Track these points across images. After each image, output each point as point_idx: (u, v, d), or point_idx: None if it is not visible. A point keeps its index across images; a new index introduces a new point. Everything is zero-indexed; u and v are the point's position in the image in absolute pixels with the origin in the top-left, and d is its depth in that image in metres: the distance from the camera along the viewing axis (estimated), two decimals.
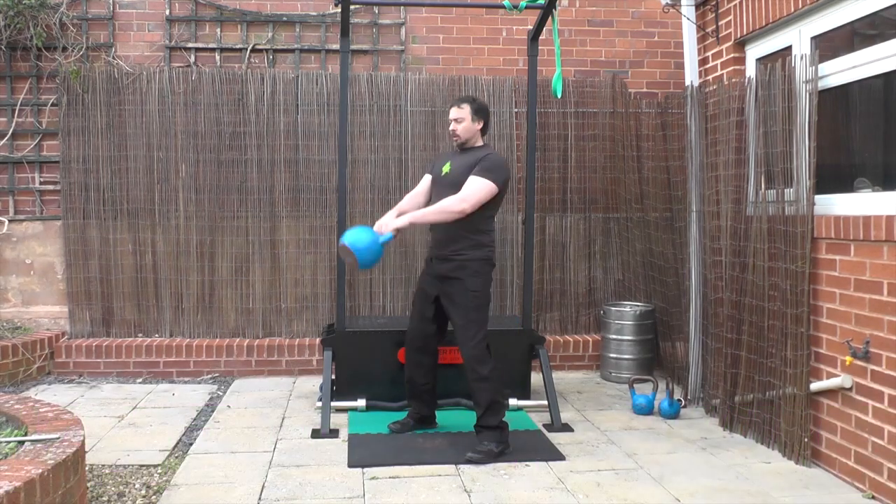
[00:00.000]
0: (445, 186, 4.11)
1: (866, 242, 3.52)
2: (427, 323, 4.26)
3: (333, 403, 4.68)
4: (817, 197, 3.91)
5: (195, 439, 4.28)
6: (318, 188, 6.00)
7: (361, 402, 4.75)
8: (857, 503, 3.46)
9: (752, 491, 3.56)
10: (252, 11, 6.06)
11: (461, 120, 4.13)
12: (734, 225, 4.47)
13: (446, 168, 4.18)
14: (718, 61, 5.03)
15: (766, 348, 4.18)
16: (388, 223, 4.00)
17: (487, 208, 4.03)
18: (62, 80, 5.86)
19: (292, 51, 6.10)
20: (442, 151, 4.34)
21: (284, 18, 6.08)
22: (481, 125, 4.17)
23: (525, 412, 4.78)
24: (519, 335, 4.90)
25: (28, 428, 3.11)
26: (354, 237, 3.88)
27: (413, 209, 4.22)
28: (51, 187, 5.99)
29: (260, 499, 3.44)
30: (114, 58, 5.97)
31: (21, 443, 2.93)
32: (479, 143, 4.20)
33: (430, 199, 4.27)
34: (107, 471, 3.77)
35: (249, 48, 6.05)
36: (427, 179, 4.36)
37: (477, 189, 3.94)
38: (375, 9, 6.07)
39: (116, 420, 4.64)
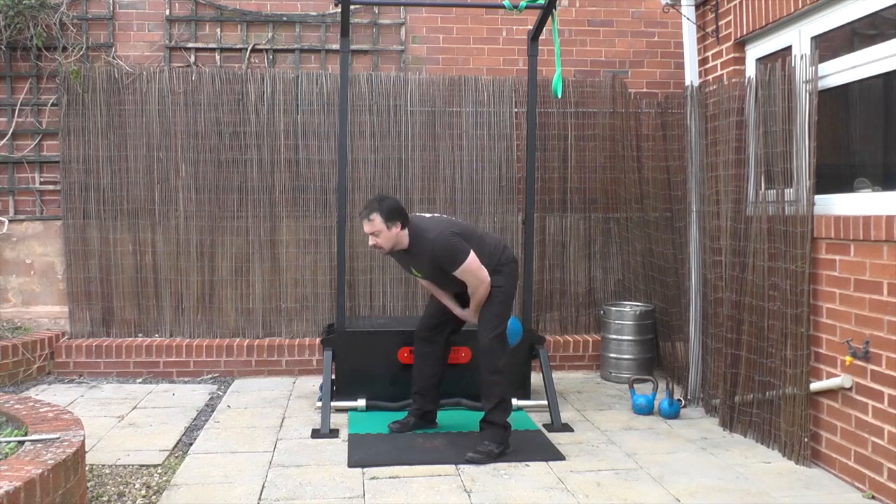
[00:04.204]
0: (437, 285, 4.28)
1: (866, 242, 3.52)
2: (442, 312, 4.33)
3: (333, 403, 4.69)
4: (817, 197, 3.91)
5: (195, 439, 4.28)
6: (318, 188, 6.00)
7: (361, 402, 4.75)
8: (857, 503, 3.47)
9: (752, 491, 3.56)
10: (252, 11, 6.06)
11: (377, 233, 3.94)
12: (734, 225, 4.47)
13: (417, 273, 4.23)
14: (718, 61, 5.02)
15: (766, 348, 4.18)
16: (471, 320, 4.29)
17: (478, 249, 4.05)
18: (62, 80, 5.86)
19: (292, 51, 6.09)
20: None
21: (284, 18, 6.08)
22: (399, 226, 3.95)
23: (525, 412, 4.78)
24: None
25: (28, 428, 3.11)
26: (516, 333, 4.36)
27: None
28: (51, 187, 5.99)
29: (260, 499, 3.44)
30: (114, 58, 5.97)
31: (21, 443, 2.93)
32: (406, 239, 4.01)
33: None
34: (107, 471, 3.77)
35: (249, 48, 6.05)
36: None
37: (471, 272, 3.98)
38: (375, 9, 6.07)
39: (116, 420, 4.64)
